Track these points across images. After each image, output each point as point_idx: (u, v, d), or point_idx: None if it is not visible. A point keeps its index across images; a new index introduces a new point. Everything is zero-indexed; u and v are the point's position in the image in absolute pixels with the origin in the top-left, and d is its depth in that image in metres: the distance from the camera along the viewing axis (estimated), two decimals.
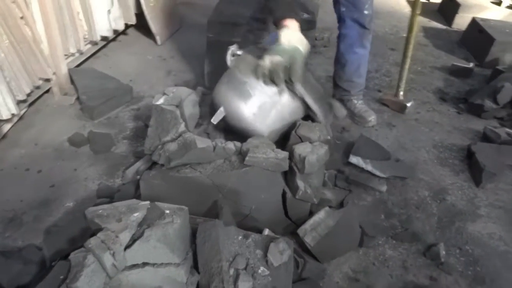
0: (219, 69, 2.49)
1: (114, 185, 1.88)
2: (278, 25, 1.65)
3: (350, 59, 2.38)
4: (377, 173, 2.03)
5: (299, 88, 1.61)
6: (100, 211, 1.22)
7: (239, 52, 1.76)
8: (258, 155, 1.48)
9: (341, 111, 1.81)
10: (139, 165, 1.88)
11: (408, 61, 2.52)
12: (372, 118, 2.47)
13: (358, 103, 2.51)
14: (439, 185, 2.07)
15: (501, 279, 1.60)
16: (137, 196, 1.69)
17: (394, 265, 1.62)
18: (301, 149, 1.52)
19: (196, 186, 1.55)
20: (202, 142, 1.53)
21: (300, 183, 1.51)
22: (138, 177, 1.78)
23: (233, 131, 1.79)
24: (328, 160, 1.63)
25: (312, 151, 1.50)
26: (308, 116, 1.80)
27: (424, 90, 2.99)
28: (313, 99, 1.69)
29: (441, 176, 2.13)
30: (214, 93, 1.79)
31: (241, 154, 1.54)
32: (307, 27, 2.43)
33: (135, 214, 1.20)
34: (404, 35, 2.71)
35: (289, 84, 1.65)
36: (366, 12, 2.21)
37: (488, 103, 2.65)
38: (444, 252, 1.66)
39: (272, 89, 1.66)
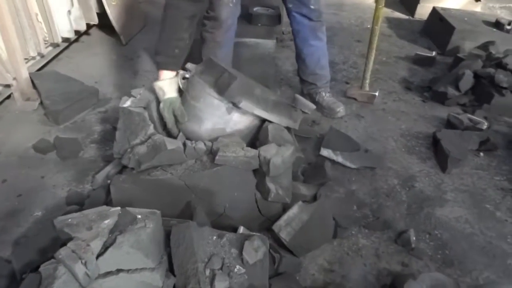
0: None
1: (84, 191, 1.84)
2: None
3: (308, 52, 2.43)
4: (348, 164, 2.08)
5: (244, 105, 1.60)
6: (70, 220, 1.19)
7: (187, 75, 1.77)
8: (228, 154, 1.48)
9: (308, 105, 1.82)
10: (109, 169, 1.85)
11: (373, 52, 2.57)
12: (340, 109, 2.51)
13: (326, 96, 2.55)
14: (407, 173, 2.13)
15: (468, 261, 1.67)
16: (108, 201, 1.66)
17: (367, 254, 1.66)
18: (266, 151, 1.53)
19: (168, 188, 1.54)
20: (172, 143, 1.52)
21: (271, 186, 1.52)
22: (109, 181, 1.75)
23: None
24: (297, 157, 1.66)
25: (277, 153, 1.50)
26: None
27: (390, 80, 3.06)
28: (266, 109, 1.68)
29: (409, 164, 2.20)
30: None
31: (212, 154, 1.54)
32: (271, 23, 2.43)
33: (106, 221, 1.18)
34: (369, 26, 2.77)
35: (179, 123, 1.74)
36: (313, 7, 2.27)
37: (451, 91, 2.74)
38: (414, 238, 1.71)
39: (220, 109, 1.66)
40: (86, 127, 2.27)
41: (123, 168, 1.77)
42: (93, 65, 2.93)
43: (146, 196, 1.55)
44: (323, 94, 2.55)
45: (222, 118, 1.67)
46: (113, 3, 3.10)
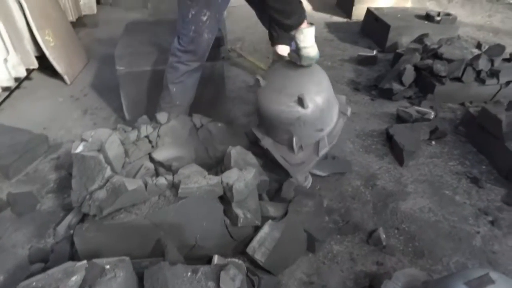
0: (139, 101, 2.46)
1: (47, 246, 1.75)
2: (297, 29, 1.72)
3: None
4: (318, 173, 2.10)
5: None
6: (34, 283, 1.13)
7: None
8: (190, 185, 1.46)
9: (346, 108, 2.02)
10: (70, 218, 1.77)
11: None
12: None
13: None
14: (368, 172, 2.19)
15: (437, 248, 1.74)
16: (74, 252, 1.59)
17: (342, 260, 1.69)
18: (228, 177, 1.52)
19: (135, 229, 1.49)
20: (132, 183, 1.48)
21: (238, 211, 1.52)
22: (71, 232, 1.68)
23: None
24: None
25: (239, 178, 1.51)
26: None
27: (338, 84, 3.15)
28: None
29: (368, 163, 2.26)
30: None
31: (174, 187, 1.52)
32: (215, 45, 2.45)
33: (73, 278, 1.13)
34: None
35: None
36: None
37: (396, 86, 2.86)
38: (384, 236, 1.76)
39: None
40: (39, 178, 2.17)
41: (84, 216, 1.70)
42: (39, 111, 2.82)
43: (113, 241, 1.50)
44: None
45: None
46: (51, 44, 3.00)
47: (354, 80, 3.19)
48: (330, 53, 3.69)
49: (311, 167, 1.93)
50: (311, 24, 1.75)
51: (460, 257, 1.70)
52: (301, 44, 1.73)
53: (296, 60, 1.79)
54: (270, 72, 1.94)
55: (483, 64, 2.73)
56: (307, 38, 1.72)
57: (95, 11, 4.41)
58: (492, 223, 1.87)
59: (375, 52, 3.53)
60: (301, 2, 1.74)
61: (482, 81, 2.76)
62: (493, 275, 1.06)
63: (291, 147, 1.89)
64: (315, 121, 1.82)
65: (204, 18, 1.90)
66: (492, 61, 2.76)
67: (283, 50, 2.28)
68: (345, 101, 2.05)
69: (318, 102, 1.77)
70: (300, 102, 1.72)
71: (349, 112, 2.00)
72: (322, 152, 1.87)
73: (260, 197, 1.79)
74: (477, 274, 1.09)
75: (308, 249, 1.69)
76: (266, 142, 1.95)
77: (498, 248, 1.75)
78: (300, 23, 1.70)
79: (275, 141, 1.95)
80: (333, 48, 3.85)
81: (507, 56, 3.08)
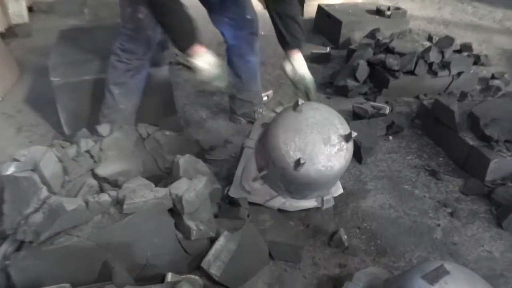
0: (79, 114, 2.39)
1: None
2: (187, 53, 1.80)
3: (245, 69, 2.45)
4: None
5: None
6: None
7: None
8: (136, 199, 1.43)
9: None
10: (5, 248, 1.66)
11: None
12: None
13: (264, 111, 2.60)
14: None
15: (399, 244, 1.80)
16: (11, 285, 1.51)
17: (304, 265, 1.71)
18: (176, 188, 1.50)
19: (78, 253, 1.44)
20: (71, 203, 1.43)
21: (190, 223, 1.50)
22: (7, 262, 1.59)
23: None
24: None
25: (189, 188, 1.49)
26: None
27: (292, 85, 3.19)
28: None
29: None
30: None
31: (119, 203, 1.48)
32: (161, 48, 2.43)
33: None
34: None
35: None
36: (248, 17, 2.29)
37: (350, 82, 2.95)
38: (345, 237, 1.80)
39: None
40: None
41: (21, 244, 1.62)
42: None
43: (55, 268, 1.44)
44: (260, 110, 2.60)
45: None
46: None
47: None
48: (282, 52, 3.73)
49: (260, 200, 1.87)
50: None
51: (422, 252, 1.77)
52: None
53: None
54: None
55: (433, 56, 2.87)
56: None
57: (26, 20, 4.24)
58: (451, 214, 1.96)
59: (328, 49, 3.62)
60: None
61: (435, 73, 2.90)
62: (448, 265, 1.11)
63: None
64: (291, 183, 1.74)
65: (141, 16, 1.91)
66: (442, 53, 2.91)
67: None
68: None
69: (311, 174, 1.64)
70: (297, 163, 1.60)
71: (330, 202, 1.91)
72: (274, 205, 1.86)
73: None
74: (433, 266, 1.14)
75: (293, 260, 1.71)
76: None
77: (458, 239, 1.83)
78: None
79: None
80: None
81: (458, 48, 3.27)
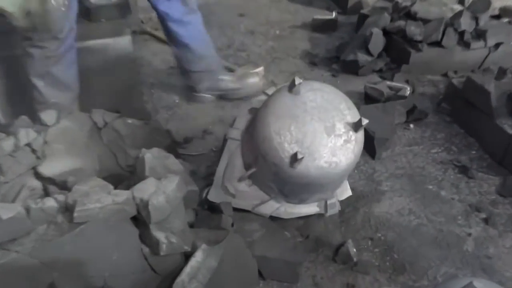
0: (17, 97, 2.38)
1: None
2: None
3: (188, 33, 2.47)
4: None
5: None
6: None
7: None
8: (90, 205, 1.43)
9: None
10: None
11: None
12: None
13: (230, 79, 2.64)
14: None
15: (421, 259, 1.83)
16: None
17: (303, 285, 1.73)
18: (141, 190, 1.50)
19: (17, 272, 1.45)
20: (8, 210, 1.43)
21: (159, 235, 1.50)
22: None
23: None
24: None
25: (157, 191, 1.49)
26: None
27: (289, 58, 3.22)
28: None
29: None
30: None
31: (68, 210, 1.49)
32: (119, 15, 2.42)
33: None
34: None
35: None
36: None
37: (362, 57, 2.97)
38: (354, 250, 1.82)
39: None
40: None
41: None
42: None
43: None
44: (226, 77, 2.63)
45: None
46: None
47: (310, 52, 3.27)
48: (277, 19, 3.75)
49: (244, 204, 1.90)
50: None
51: (449, 268, 1.81)
52: None
53: None
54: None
55: (466, 24, 2.89)
56: None
57: None
58: (485, 221, 2.00)
59: (334, 14, 3.63)
60: None
61: (467, 45, 2.93)
62: (478, 284, 1.14)
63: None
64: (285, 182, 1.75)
65: None
66: (477, 19, 2.93)
67: None
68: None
69: (312, 172, 1.64)
70: (293, 158, 1.60)
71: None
72: (265, 211, 1.88)
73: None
74: (462, 284, 1.16)
75: (288, 280, 1.73)
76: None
77: (494, 252, 1.87)
78: None
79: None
80: (280, 11, 3.91)
81: (496, 13, 3.29)
